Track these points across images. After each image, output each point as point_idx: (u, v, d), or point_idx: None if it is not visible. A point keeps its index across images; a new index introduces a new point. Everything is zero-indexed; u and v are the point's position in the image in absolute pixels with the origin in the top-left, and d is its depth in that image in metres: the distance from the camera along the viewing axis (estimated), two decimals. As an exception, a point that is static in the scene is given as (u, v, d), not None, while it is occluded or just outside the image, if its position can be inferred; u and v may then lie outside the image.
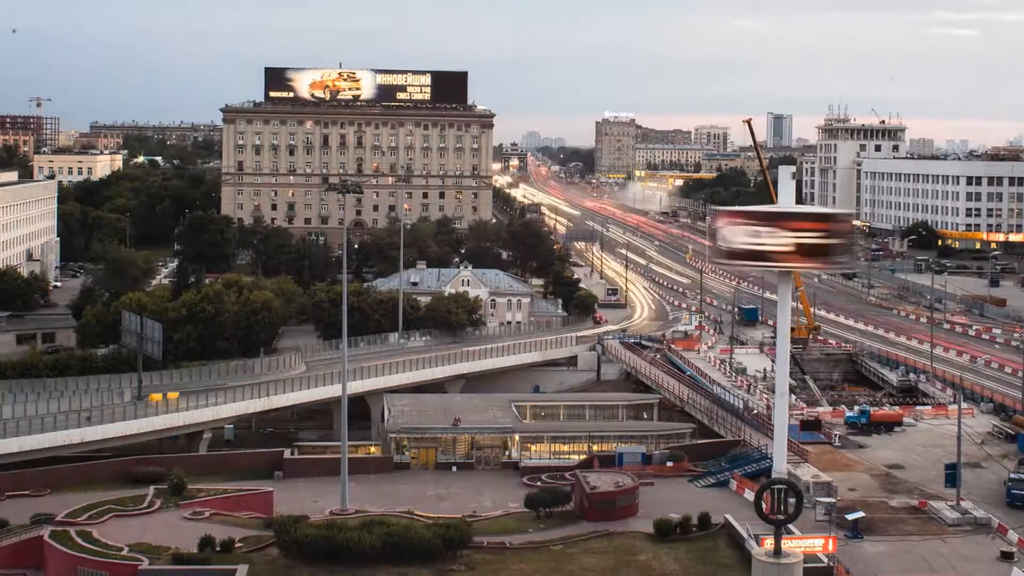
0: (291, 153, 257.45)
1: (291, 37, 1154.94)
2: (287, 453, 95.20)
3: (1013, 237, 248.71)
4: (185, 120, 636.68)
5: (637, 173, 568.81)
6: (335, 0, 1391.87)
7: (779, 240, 61.16)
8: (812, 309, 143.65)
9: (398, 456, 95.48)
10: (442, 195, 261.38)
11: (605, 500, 77.47)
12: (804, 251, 61.44)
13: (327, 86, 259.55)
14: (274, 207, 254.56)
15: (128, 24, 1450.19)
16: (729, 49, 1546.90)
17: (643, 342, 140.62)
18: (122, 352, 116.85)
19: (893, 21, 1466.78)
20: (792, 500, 60.24)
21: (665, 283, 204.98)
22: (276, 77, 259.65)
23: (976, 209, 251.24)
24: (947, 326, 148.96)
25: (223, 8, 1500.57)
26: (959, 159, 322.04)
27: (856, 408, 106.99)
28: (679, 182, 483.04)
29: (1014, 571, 67.14)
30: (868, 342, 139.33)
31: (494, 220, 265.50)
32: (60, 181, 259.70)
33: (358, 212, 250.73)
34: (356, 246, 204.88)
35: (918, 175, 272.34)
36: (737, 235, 62.21)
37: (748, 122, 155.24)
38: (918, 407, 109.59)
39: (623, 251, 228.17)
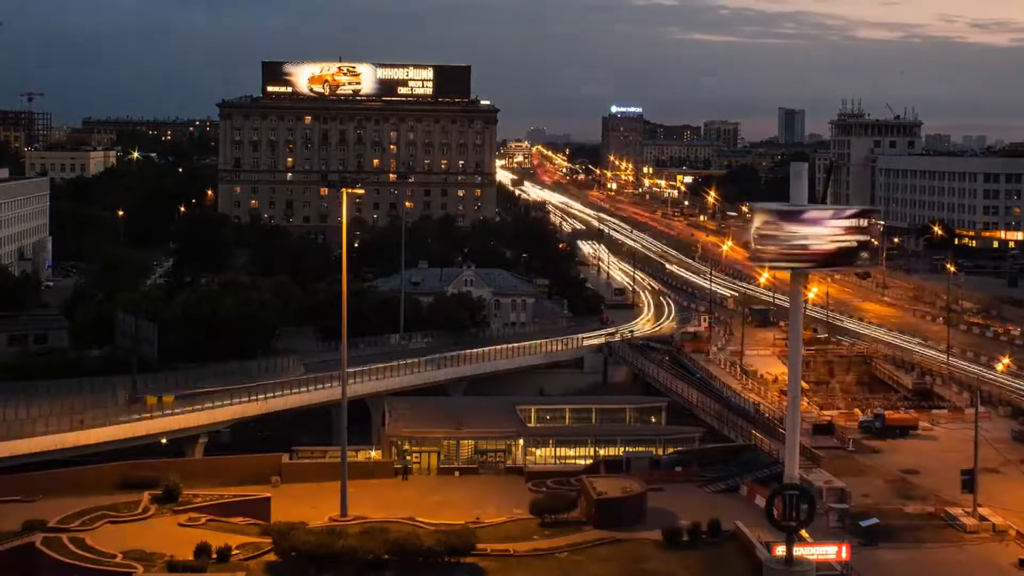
0: (289, 150, 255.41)
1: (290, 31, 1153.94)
2: (285, 458, 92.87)
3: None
4: (181, 115, 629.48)
5: (645, 170, 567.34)
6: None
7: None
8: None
9: (399, 461, 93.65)
10: (444, 192, 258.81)
11: (612, 506, 75.41)
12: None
13: (326, 81, 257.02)
14: (272, 205, 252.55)
15: (122, 18, 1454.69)
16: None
17: (651, 344, 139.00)
18: (116, 354, 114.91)
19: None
20: (804, 506, 59.62)
21: (675, 283, 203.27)
22: (274, 71, 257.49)
23: (994, 207, 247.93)
24: (963, 327, 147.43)
25: (220, 2, 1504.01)
26: (976, 155, 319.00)
27: (871, 412, 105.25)
28: (688, 179, 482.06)
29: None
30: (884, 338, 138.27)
31: (498, 218, 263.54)
32: (52, 178, 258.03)
33: (358, 210, 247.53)
34: (356, 245, 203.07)
35: (934, 172, 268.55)
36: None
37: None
38: (934, 411, 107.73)
39: (630, 250, 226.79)
